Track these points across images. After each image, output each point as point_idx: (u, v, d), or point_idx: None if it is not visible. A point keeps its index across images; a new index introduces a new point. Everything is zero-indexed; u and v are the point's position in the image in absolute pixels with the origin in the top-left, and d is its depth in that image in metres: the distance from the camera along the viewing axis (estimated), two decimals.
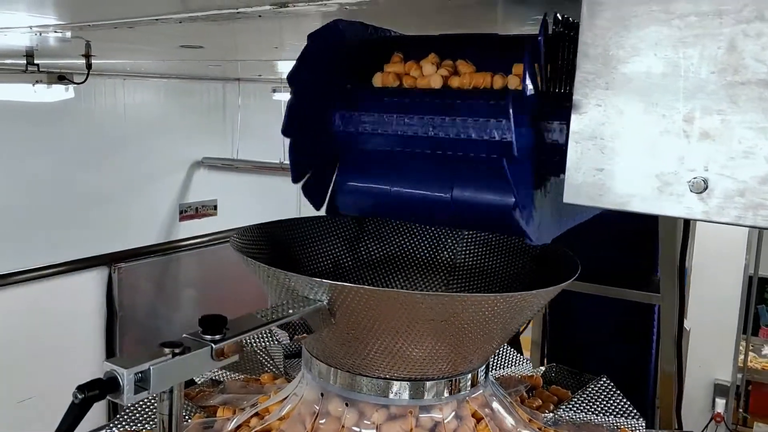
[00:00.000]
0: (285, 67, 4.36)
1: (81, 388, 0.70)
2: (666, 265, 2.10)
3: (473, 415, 1.18)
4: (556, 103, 1.12)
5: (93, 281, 4.48)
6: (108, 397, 0.73)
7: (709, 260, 5.41)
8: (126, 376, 0.72)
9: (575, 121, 1.05)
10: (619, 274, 2.29)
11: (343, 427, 1.15)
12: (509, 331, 1.14)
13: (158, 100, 5.64)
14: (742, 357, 5.81)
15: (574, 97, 1.05)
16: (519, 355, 1.76)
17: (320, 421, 1.16)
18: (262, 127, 6.10)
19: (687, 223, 2.02)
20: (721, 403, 5.86)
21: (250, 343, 0.85)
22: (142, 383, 0.74)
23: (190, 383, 1.60)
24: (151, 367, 0.74)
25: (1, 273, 3.49)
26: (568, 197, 1.10)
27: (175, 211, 5.85)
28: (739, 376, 5.81)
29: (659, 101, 1.00)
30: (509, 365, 1.72)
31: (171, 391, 0.80)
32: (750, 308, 5.92)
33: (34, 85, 3.37)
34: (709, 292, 5.45)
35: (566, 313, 2.47)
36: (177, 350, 0.78)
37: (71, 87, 3.55)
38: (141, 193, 5.47)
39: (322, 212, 1.37)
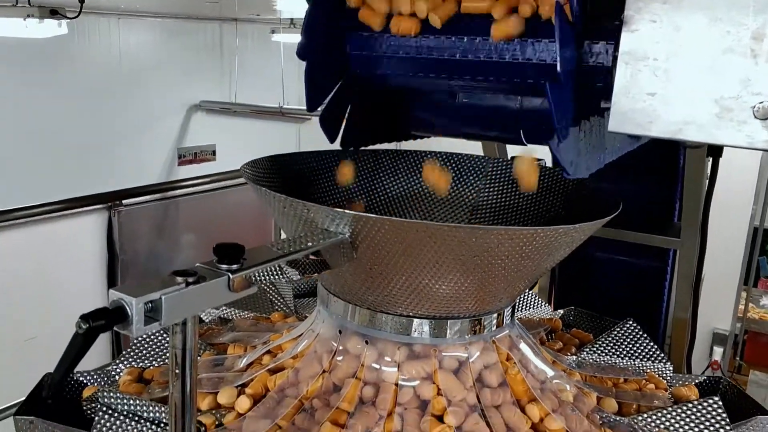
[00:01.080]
0: (283, 5, 4.16)
1: (85, 318, 0.63)
2: (689, 209, 2.03)
3: (500, 357, 1.12)
4: (603, 20, 1.02)
5: (93, 224, 4.41)
6: (115, 328, 0.65)
7: (715, 210, 5.36)
8: (135, 306, 0.65)
9: (626, 39, 0.96)
10: (636, 219, 2.22)
11: (362, 365, 1.09)
12: (540, 271, 1.07)
13: (154, 40, 5.45)
14: (741, 307, 5.83)
15: (625, 13, 0.94)
16: (537, 297, 1.70)
17: (338, 359, 1.10)
18: (260, 70, 5.92)
19: (716, 163, 1.93)
20: (718, 351, 5.90)
21: (259, 279, 0.77)
22: (152, 314, 0.67)
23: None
24: (163, 297, 0.67)
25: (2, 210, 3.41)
26: (614, 125, 1.01)
27: (173, 156, 5.73)
28: (738, 325, 5.84)
29: (724, 16, 0.90)
30: (527, 307, 1.66)
31: (184, 323, 0.73)
32: (753, 259, 5.89)
33: (25, 19, 3.22)
34: (712, 242, 5.40)
35: (576, 259, 2.41)
36: (191, 279, 0.71)
37: (64, 23, 3.40)
38: (139, 136, 5.34)
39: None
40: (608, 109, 1.02)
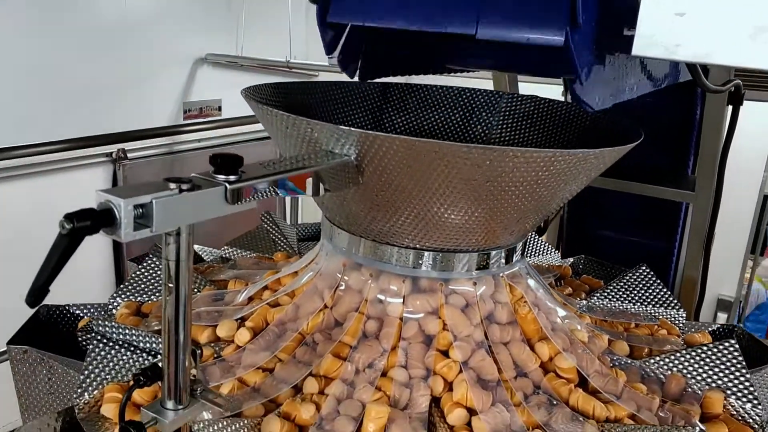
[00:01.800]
0: None
1: (69, 217, 0.58)
2: (705, 160, 1.97)
3: (509, 294, 1.08)
4: None
5: (97, 178, 4.37)
6: (102, 231, 0.61)
7: (726, 175, 5.28)
8: (123, 208, 0.60)
9: None
10: (650, 172, 2.16)
11: (365, 299, 1.05)
12: (555, 202, 1.02)
13: None
14: (747, 275, 5.79)
15: None
16: (547, 244, 1.65)
17: (341, 293, 1.06)
18: (267, 23, 5.79)
19: (736, 110, 1.86)
20: (722, 317, 5.88)
21: (258, 194, 0.72)
22: (142, 219, 0.62)
23: (198, 259, 1.51)
24: (154, 201, 0.62)
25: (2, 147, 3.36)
26: (639, 48, 0.95)
27: (179, 110, 5.65)
28: (743, 293, 5.81)
29: None
30: (536, 254, 1.61)
31: (178, 233, 0.68)
32: (761, 227, 5.83)
33: None
34: (721, 208, 5.35)
35: (585, 212, 2.36)
36: (185, 186, 0.66)
37: None
38: (144, 89, 5.25)
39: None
40: (632, 37, 0.96)
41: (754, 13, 0.88)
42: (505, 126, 1.33)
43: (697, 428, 0.88)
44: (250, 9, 5.82)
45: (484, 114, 1.36)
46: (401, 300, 1.03)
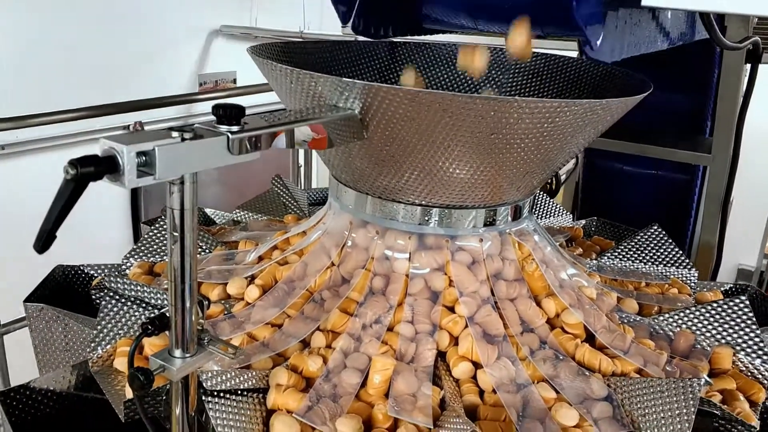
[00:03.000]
0: None
1: (73, 163, 0.59)
2: (723, 121, 1.93)
3: (516, 251, 1.07)
4: None
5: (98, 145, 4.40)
6: (106, 178, 0.62)
7: (749, 141, 5.19)
8: (126, 154, 0.61)
9: None
10: (667, 134, 2.13)
11: (372, 257, 1.05)
12: (562, 156, 1.01)
13: None
14: None
15: None
16: (559, 206, 1.64)
17: (348, 250, 1.07)
18: None
19: (755, 68, 1.82)
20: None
21: (261, 145, 0.72)
22: (146, 167, 0.63)
23: (209, 222, 1.52)
24: (156, 148, 0.63)
25: (14, 142, 3.40)
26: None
27: (194, 83, 5.65)
28: (765, 262, 5.74)
29: None
30: (548, 215, 1.61)
31: (182, 182, 0.69)
32: None
33: None
34: (741, 178, 5.27)
35: (600, 174, 2.34)
36: (187, 135, 0.66)
37: None
38: (159, 61, 5.25)
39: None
40: None
41: None
42: (515, 83, 1.32)
43: (703, 380, 0.87)
44: None
45: (493, 72, 1.34)
46: (407, 256, 1.04)
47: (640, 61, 1.25)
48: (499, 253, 1.06)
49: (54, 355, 1.12)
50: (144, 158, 0.63)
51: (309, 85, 0.90)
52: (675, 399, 0.83)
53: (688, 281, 1.31)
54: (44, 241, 0.61)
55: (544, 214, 1.61)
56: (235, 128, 0.71)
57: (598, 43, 1.02)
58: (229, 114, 0.71)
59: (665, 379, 0.86)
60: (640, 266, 1.33)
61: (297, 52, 1.22)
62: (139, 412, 0.81)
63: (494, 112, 0.84)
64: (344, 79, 0.85)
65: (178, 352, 0.75)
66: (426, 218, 1.03)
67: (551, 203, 1.63)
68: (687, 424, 0.80)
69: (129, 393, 0.89)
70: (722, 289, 1.32)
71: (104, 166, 0.61)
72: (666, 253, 1.34)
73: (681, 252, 1.34)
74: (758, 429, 0.89)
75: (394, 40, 1.34)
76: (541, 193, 1.66)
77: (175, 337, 0.75)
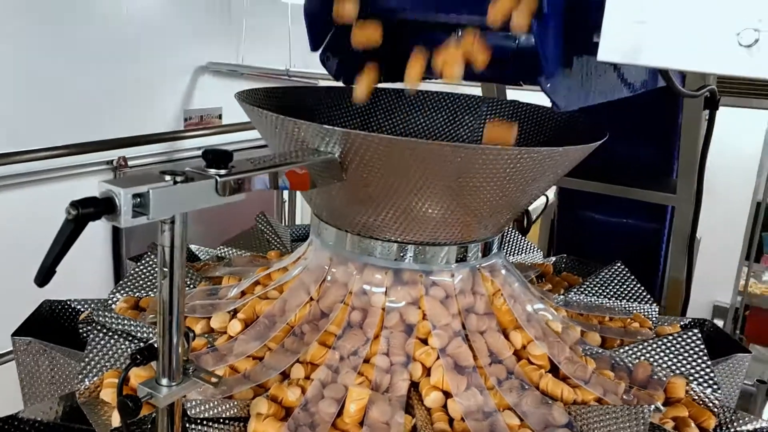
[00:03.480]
0: None
1: (74, 204, 0.65)
2: (685, 162, 2.03)
3: (486, 286, 1.14)
4: None
5: (96, 186, 4.43)
6: (104, 218, 0.68)
7: (720, 182, 5.35)
8: (123, 196, 0.67)
9: None
10: (636, 179, 2.22)
11: (350, 291, 1.11)
12: (525, 198, 1.09)
13: (161, 1, 5.40)
14: (743, 282, 5.85)
15: None
16: (530, 243, 1.72)
17: (328, 285, 1.13)
18: (268, 32, 5.88)
19: (713, 114, 1.93)
20: (718, 324, 5.91)
21: (247, 187, 0.79)
22: (140, 208, 0.69)
23: (194, 258, 1.57)
24: (150, 190, 0.69)
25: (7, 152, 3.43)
26: (603, 54, 1.02)
27: (179, 118, 5.71)
28: (739, 299, 5.86)
29: None
30: (519, 252, 1.68)
31: (173, 222, 0.75)
32: (755, 234, 5.89)
33: None
34: (715, 216, 5.41)
35: (574, 220, 2.43)
36: (179, 178, 0.73)
37: None
38: (145, 97, 5.31)
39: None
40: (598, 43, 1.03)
41: (707, 21, 0.95)
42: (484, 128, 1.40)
43: (653, 407, 0.94)
44: (250, 18, 5.91)
45: (467, 118, 1.43)
46: (384, 291, 1.10)
47: (613, 108, 1.34)
48: (470, 287, 1.13)
49: (40, 388, 1.16)
50: (139, 200, 0.69)
51: (293, 130, 0.97)
52: (628, 424, 0.89)
53: (650, 316, 1.38)
54: (44, 276, 0.67)
55: (516, 251, 1.68)
56: (223, 171, 0.78)
57: (563, 96, 1.11)
58: (218, 159, 0.78)
59: (619, 406, 0.92)
60: (604, 301, 1.40)
61: (281, 96, 1.29)
62: None
63: (460, 158, 0.92)
64: (325, 126, 0.92)
65: (164, 381, 0.80)
66: (402, 254, 1.10)
67: (523, 240, 1.71)
68: None
69: (115, 422, 0.93)
70: (681, 323, 1.39)
71: (102, 207, 0.67)
72: (629, 289, 1.42)
73: (643, 288, 1.42)
74: None
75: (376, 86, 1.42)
76: (514, 230, 1.73)
77: (162, 366, 0.80)
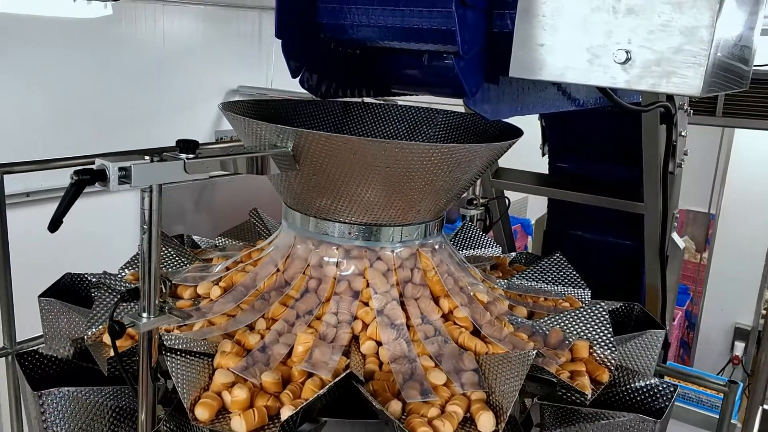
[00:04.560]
0: None
1: (76, 173, 0.91)
2: (649, 171, 2.21)
3: (422, 261, 1.36)
4: None
5: (131, 200, 4.76)
6: (97, 184, 0.93)
7: (739, 206, 5.44)
8: (112, 168, 0.92)
9: (522, 1, 1.19)
10: (612, 186, 2.40)
11: (309, 264, 1.35)
12: (455, 188, 1.31)
13: (196, 27, 5.79)
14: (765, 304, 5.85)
15: None
16: (492, 240, 1.93)
17: (291, 259, 1.37)
18: None
19: (669, 128, 2.12)
20: (740, 346, 5.95)
21: (209, 168, 1.04)
22: (125, 178, 0.95)
23: (195, 246, 1.83)
24: (133, 165, 0.94)
25: (37, 190, 3.78)
26: (514, 71, 1.25)
27: (211, 139, 6.06)
28: (761, 321, 5.86)
29: None
30: (480, 247, 1.89)
31: (152, 190, 1.00)
32: None
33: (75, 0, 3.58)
34: (736, 239, 5.49)
35: (562, 239, 2.63)
36: (156, 158, 0.98)
37: (110, 4, 3.74)
38: (178, 119, 5.68)
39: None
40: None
41: (590, 44, 1.17)
42: (440, 136, 1.63)
43: (534, 351, 1.13)
44: (280, 44, 6.28)
45: (424, 126, 1.66)
46: (336, 263, 1.33)
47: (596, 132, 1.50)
48: (409, 262, 1.35)
49: (59, 341, 1.42)
50: (124, 172, 0.95)
51: (256, 129, 1.22)
52: (516, 366, 1.10)
53: (583, 299, 1.58)
54: (55, 224, 0.93)
55: (477, 246, 1.90)
56: (191, 155, 1.03)
57: (490, 108, 1.33)
58: (187, 146, 1.03)
59: (512, 352, 1.13)
60: (542, 286, 1.60)
61: (264, 108, 1.55)
62: (117, 363, 1.10)
63: (385, 151, 1.15)
64: (279, 125, 1.17)
65: (144, 315, 1.05)
66: (351, 234, 1.33)
67: (484, 237, 1.92)
68: (520, 380, 1.07)
69: (111, 352, 1.18)
70: (612, 307, 1.58)
71: (96, 176, 0.92)
72: (566, 275, 1.62)
73: (578, 275, 1.62)
74: (590, 396, 1.15)
75: (347, 100, 1.67)
76: (477, 228, 1.95)
77: (143, 303, 1.04)
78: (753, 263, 5.56)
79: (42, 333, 1.44)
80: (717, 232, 5.72)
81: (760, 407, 2.98)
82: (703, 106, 3.92)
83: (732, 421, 3.15)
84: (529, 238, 5.70)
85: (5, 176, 2.06)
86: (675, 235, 2.66)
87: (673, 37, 1.11)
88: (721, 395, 2.25)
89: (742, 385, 3.45)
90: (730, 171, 5.51)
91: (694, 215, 7.26)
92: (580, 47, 1.17)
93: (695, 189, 6.45)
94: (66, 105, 4.54)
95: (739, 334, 5.93)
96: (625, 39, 1.14)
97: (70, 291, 1.55)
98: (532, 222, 4.66)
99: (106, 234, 4.42)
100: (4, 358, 2.11)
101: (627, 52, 1.14)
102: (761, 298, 5.88)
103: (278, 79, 6.23)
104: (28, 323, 1.88)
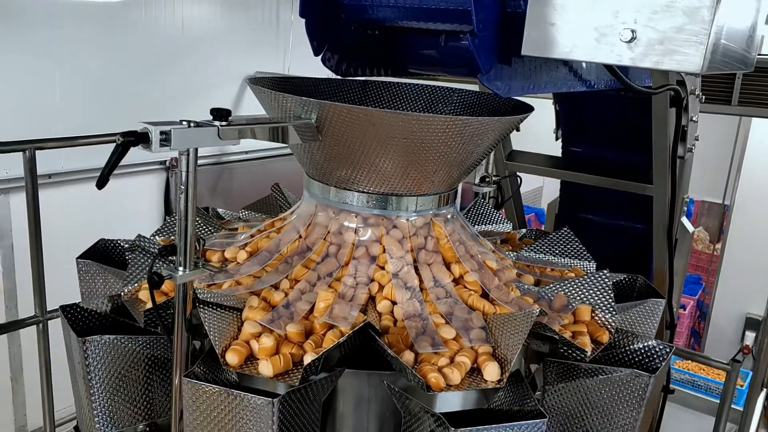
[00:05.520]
0: None
1: (122, 134, 1.00)
2: (658, 154, 2.27)
3: (436, 230, 1.45)
4: None
5: (152, 183, 4.88)
6: (140, 146, 1.02)
7: (754, 197, 5.46)
8: (154, 132, 1.02)
9: None
10: (625, 169, 2.46)
11: (329, 231, 1.44)
12: (468, 160, 1.39)
13: (214, 13, 5.87)
14: None
15: None
16: (503, 217, 2.01)
17: (312, 226, 1.46)
18: None
19: (679, 112, 2.18)
20: (750, 336, 5.98)
21: (241, 134, 1.13)
22: (165, 141, 1.04)
23: (220, 218, 1.93)
24: (172, 129, 1.03)
25: (59, 172, 3.92)
26: (526, 50, 1.33)
27: None
28: None
29: None
30: (493, 222, 1.97)
31: (188, 153, 1.09)
32: None
33: None
34: (749, 229, 5.52)
35: (574, 222, 2.69)
36: (192, 124, 1.07)
37: None
38: (196, 104, 5.78)
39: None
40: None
41: (598, 23, 1.24)
42: (456, 113, 1.71)
43: (538, 310, 1.21)
44: (297, 30, 6.36)
45: (440, 104, 1.74)
46: (354, 230, 1.42)
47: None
48: (423, 231, 1.44)
49: (96, 300, 1.53)
50: (164, 135, 1.04)
51: (281, 102, 1.31)
52: (521, 323, 1.19)
53: (588, 270, 1.66)
54: (102, 181, 1.02)
55: (490, 221, 1.98)
56: (224, 123, 1.12)
57: (503, 85, 1.41)
58: (221, 114, 1.12)
59: (517, 312, 1.22)
60: (550, 258, 1.68)
61: (288, 85, 1.64)
62: (154, 313, 1.20)
63: (402, 123, 1.24)
64: (303, 97, 1.26)
65: (180, 269, 1.14)
66: (369, 203, 1.42)
67: (497, 213, 2.00)
68: (523, 335, 1.15)
69: (147, 306, 1.28)
70: (616, 279, 1.66)
71: (140, 138, 1.02)
72: (572, 248, 1.70)
73: (584, 248, 1.69)
74: (589, 353, 1.24)
75: (367, 79, 1.76)
76: (489, 206, 2.03)
77: (180, 258, 1.14)
78: (766, 254, 5.58)
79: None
80: (731, 222, 5.75)
81: (763, 390, 3.04)
82: (718, 95, 3.95)
83: (738, 408, 3.22)
84: (543, 228, 5.77)
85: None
86: (684, 220, 2.72)
87: (675, 17, 1.18)
88: None
89: (751, 374, 3.50)
90: (745, 161, 5.52)
91: (709, 206, 7.27)
92: (589, 26, 1.25)
93: (710, 180, 6.46)
94: (85, 89, 4.65)
95: (750, 323, 5.95)
96: (630, 18, 1.21)
97: (104, 255, 1.65)
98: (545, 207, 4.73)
99: (123, 217, 4.55)
100: (35, 326, 2.23)
101: (632, 31, 1.21)
102: None
103: (295, 65, 6.31)
104: (53, 298, 1.98)
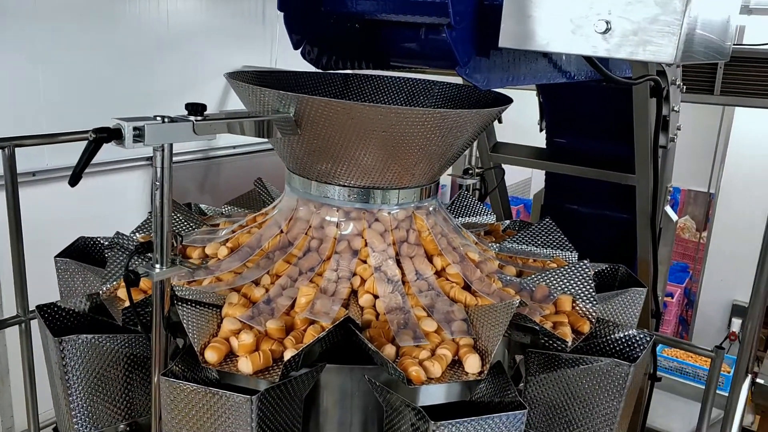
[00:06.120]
0: None
1: (95, 131, 0.99)
2: (640, 144, 2.28)
3: (417, 222, 1.45)
4: None
5: (139, 179, 4.84)
6: (113, 142, 1.01)
7: (737, 185, 5.50)
8: (127, 127, 1.00)
9: None
10: (609, 160, 2.47)
11: (310, 225, 1.43)
12: (448, 153, 1.39)
13: (200, 7, 5.81)
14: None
15: None
16: (487, 208, 2.01)
17: (294, 221, 1.45)
18: None
19: (659, 101, 2.18)
20: (737, 322, 6.04)
21: (215, 129, 1.12)
22: (139, 137, 1.03)
23: (203, 213, 1.92)
24: (146, 125, 1.02)
25: (43, 169, 3.87)
26: (503, 42, 1.32)
27: None
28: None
29: None
30: (476, 214, 1.97)
31: (163, 149, 1.08)
32: None
33: None
34: (734, 216, 5.56)
35: (560, 213, 2.70)
36: (167, 119, 1.06)
37: None
38: (182, 98, 5.69)
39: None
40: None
41: (573, 15, 1.24)
42: (436, 106, 1.71)
43: (518, 301, 1.22)
44: (283, 26, 6.32)
45: (421, 97, 1.74)
46: (336, 224, 1.41)
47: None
48: (405, 224, 1.44)
49: (75, 298, 1.51)
50: (138, 131, 1.03)
51: (259, 96, 1.30)
52: (501, 314, 1.19)
53: (570, 261, 1.66)
54: (74, 178, 1.01)
55: (473, 213, 1.98)
56: (199, 117, 1.11)
57: (481, 77, 1.40)
58: (195, 108, 1.11)
59: (498, 303, 1.22)
60: (532, 248, 1.68)
61: (267, 79, 1.62)
62: (132, 311, 1.19)
63: (381, 116, 1.23)
64: (281, 91, 1.25)
65: (157, 266, 1.13)
66: (350, 196, 1.41)
67: (480, 205, 2.00)
68: (503, 326, 1.15)
69: (125, 305, 1.27)
70: (598, 269, 1.66)
71: (113, 134, 1.00)
72: (555, 239, 1.70)
73: (566, 239, 1.70)
74: (570, 343, 1.24)
75: (346, 72, 1.75)
76: (473, 197, 2.03)
77: (156, 255, 1.13)
78: (752, 241, 5.63)
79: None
80: (716, 210, 5.79)
81: (748, 376, 3.07)
82: (701, 85, 3.97)
83: (725, 394, 3.24)
84: (530, 218, 5.79)
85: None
86: (668, 209, 2.74)
87: (649, 8, 1.18)
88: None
89: (736, 359, 3.55)
90: (729, 151, 5.56)
91: (695, 195, 7.32)
92: (564, 18, 1.24)
93: (695, 169, 6.49)
94: (69, 83, 4.58)
95: (737, 310, 6.01)
96: (605, 10, 1.21)
97: (83, 253, 1.64)
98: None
99: (109, 214, 4.51)
100: (17, 326, 2.21)
101: (607, 22, 1.21)
102: (759, 275, 5.96)
103: (282, 58, 6.27)
104: (35, 296, 1.96)
